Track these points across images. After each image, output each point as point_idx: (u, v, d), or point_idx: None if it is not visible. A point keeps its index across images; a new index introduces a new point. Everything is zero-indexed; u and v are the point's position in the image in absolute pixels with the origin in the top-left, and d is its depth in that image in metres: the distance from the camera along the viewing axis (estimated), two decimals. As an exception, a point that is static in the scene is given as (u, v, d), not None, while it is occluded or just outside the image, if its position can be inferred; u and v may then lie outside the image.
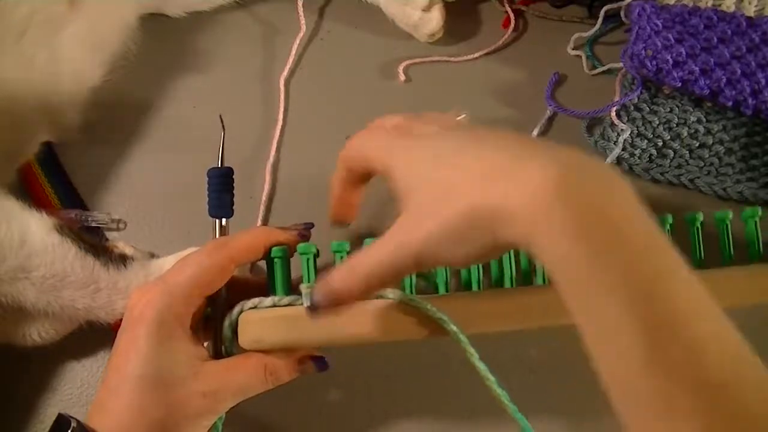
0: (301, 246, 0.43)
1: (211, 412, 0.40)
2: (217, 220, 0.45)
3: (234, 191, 0.46)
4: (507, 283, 0.45)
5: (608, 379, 0.30)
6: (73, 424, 0.38)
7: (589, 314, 0.31)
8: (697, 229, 0.47)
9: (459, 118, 0.51)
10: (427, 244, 0.34)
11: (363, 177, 0.43)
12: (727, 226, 0.47)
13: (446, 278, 0.45)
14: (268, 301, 0.42)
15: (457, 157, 0.35)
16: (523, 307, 0.42)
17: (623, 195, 0.32)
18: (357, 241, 0.46)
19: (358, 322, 0.40)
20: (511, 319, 0.41)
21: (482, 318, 0.41)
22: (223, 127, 0.46)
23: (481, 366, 0.40)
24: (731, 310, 0.30)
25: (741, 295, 0.43)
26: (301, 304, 0.41)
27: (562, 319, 0.34)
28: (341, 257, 0.42)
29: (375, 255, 0.36)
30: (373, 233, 0.53)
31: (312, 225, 0.47)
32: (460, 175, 0.34)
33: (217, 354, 0.43)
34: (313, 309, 0.37)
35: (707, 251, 0.47)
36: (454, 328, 0.39)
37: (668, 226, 0.45)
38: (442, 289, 0.45)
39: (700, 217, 0.47)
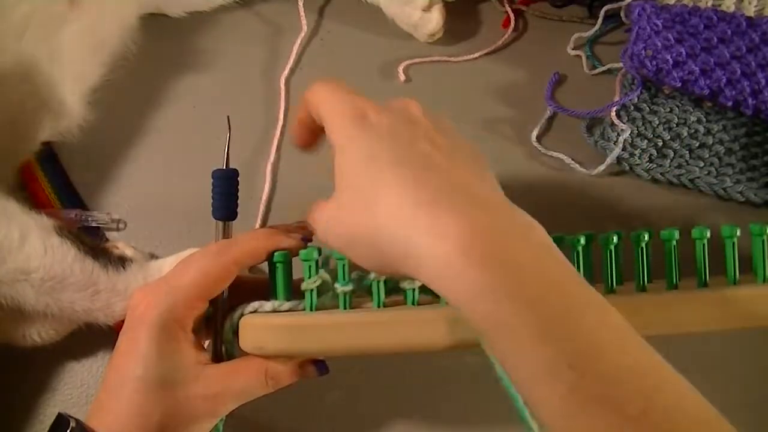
0: (303, 253, 0.41)
1: (211, 415, 0.40)
2: (221, 223, 0.44)
3: (238, 193, 0.45)
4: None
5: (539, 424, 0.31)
6: (72, 423, 0.38)
7: (506, 361, 0.31)
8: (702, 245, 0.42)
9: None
10: (334, 242, 0.37)
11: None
12: (733, 243, 0.42)
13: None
14: (269, 305, 0.41)
15: (387, 171, 0.35)
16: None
17: (530, 237, 0.33)
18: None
19: (364, 334, 0.39)
20: None
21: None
22: (229, 128, 0.45)
23: (505, 378, 0.37)
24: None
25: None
26: (302, 309, 0.41)
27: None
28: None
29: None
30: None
31: None
32: (381, 194, 0.34)
33: (216, 354, 0.43)
34: None
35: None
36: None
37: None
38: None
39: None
